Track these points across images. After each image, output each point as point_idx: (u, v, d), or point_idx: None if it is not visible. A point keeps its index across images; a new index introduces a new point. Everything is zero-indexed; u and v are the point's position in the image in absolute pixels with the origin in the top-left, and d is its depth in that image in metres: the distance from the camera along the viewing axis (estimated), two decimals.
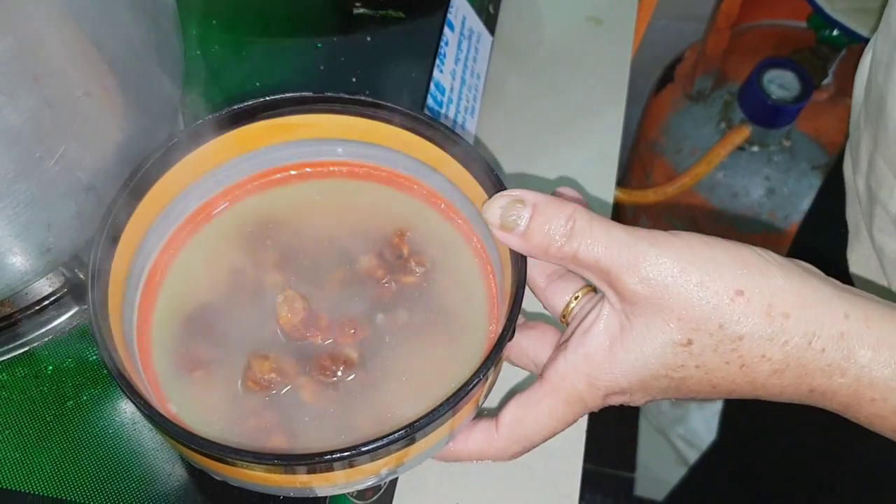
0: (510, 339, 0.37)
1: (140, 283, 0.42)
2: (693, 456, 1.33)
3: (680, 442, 1.37)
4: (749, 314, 0.33)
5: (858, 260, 0.59)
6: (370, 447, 0.33)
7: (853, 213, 0.59)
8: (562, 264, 0.36)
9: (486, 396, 0.40)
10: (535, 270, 0.41)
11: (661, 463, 1.37)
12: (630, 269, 0.34)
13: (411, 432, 0.34)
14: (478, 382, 0.35)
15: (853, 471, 0.73)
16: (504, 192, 0.36)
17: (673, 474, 1.25)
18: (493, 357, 0.36)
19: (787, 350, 0.33)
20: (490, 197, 0.38)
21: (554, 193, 0.38)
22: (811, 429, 0.79)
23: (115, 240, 0.39)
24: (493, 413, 0.39)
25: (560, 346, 0.38)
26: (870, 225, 0.54)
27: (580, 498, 0.54)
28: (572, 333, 0.37)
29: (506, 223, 0.36)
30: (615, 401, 0.37)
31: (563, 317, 0.40)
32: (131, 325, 0.41)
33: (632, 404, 0.38)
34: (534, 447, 0.39)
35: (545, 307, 0.41)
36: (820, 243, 0.73)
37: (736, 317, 0.33)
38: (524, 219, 0.35)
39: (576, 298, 0.40)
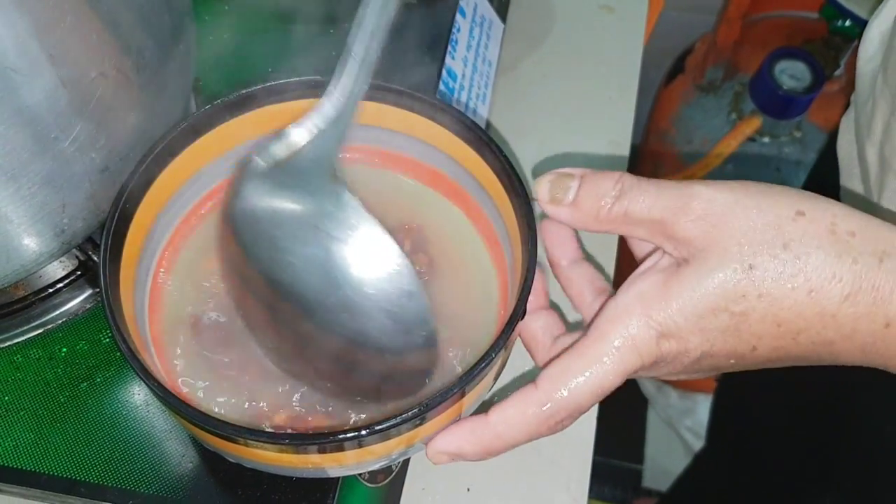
0: (521, 319, 0.37)
1: (153, 264, 0.42)
2: (697, 444, 1.33)
3: (688, 434, 1.37)
4: (813, 233, 0.31)
5: None
6: (382, 427, 0.33)
7: (849, 190, 0.59)
8: (613, 230, 0.35)
9: (496, 378, 0.40)
10: (563, 248, 0.40)
11: (669, 455, 1.37)
12: (684, 209, 0.32)
13: (423, 411, 0.34)
14: (488, 363, 0.35)
15: (855, 449, 0.73)
16: (552, 171, 0.36)
17: (681, 466, 1.25)
18: (504, 337, 0.35)
19: (856, 269, 0.31)
20: (505, 183, 0.38)
21: None
22: (807, 417, 0.79)
23: (128, 219, 0.39)
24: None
25: (609, 297, 0.36)
26: (879, 194, 0.53)
27: (588, 489, 0.54)
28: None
29: (555, 196, 0.35)
30: (668, 347, 0.33)
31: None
32: (143, 306, 0.41)
33: (683, 360, 0.34)
34: (583, 411, 0.34)
35: (567, 291, 0.41)
36: None
37: (799, 235, 0.31)
38: (573, 189, 0.35)
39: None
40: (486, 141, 0.41)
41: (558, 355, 0.35)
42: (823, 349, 0.32)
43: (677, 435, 1.38)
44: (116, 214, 0.38)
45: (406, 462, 0.51)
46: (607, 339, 0.33)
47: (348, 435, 0.33)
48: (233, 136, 0.43)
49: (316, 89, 0.43)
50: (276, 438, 0.34)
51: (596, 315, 0.35)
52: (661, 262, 0.34)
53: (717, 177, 1.12)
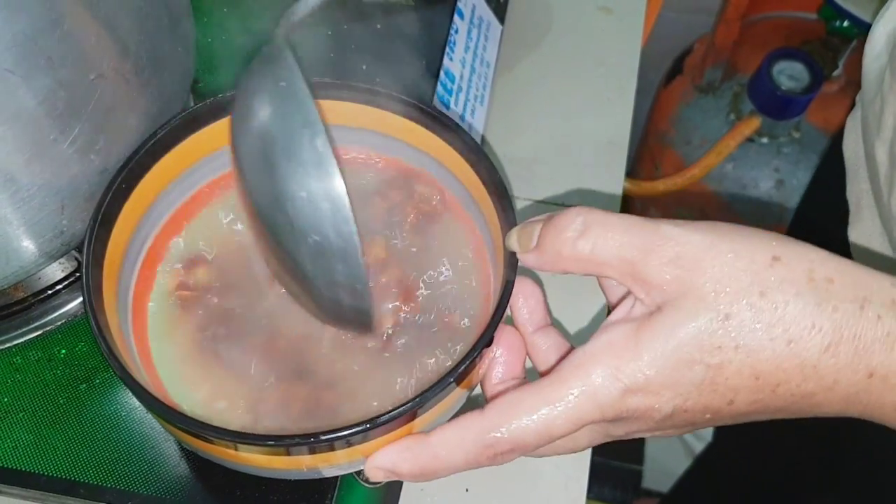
0: (488, 346, 0.36)
1: (137, 265, 0.42)
2: (701, 449, 1.33)
3: (688, 435, 1.37)
4: (791, 280, 0.30)
5: (860, 237, 0.58)
6: (362, 428, 0.34)
7: (855, 191, 0.59)
8: (580, 268, 0.33)
9: (472, 389, 0.39)
10: (529, 317, 0.38)
11: (669, 456, 1.37)
12: (656, 251, 0.31)
13: (408, 410, 0.34)
14: (465, 366, 0.35)
15: (859, 450, 0.73)
16: (521, 223, 0.36)
17: (681, 467, 1.25)
18: (482, 343, 0.35)
19: (837, 318, 0.29)
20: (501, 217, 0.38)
21: None
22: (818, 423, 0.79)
23: (111, 220, 0.39)
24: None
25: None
26: (889, 193, 0.52)
27: (588, 490, 0.54)
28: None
29: (522, 244, 0.35)
30: (635, 403, 0.31)
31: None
32: (126, 306, 0.41)
33: (657, 416, 0.32)
34: (527, 449, 0.33)
35: (532, 358, 0.39)
36: (818, 225, 0.72)
37: (777, 282, 0.30)
38: (536, 233, 0.34)
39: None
40: (481, 157, 0.41)
41: (509, 388, 0.34)
42: (804, 401, 0.31)
43: (677, 436, 1.38)
44: (99, 214, 0.38)
45: None
46: (566, 383, 0.32)
47: (333, 435, 0.33)
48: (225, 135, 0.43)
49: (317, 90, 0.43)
50: (258, 440, 0.34)
51: (561, 358, 0.34)
52: (633, 311, 0.32)
53: (717, 177, 1.12)
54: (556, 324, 0.41)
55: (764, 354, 0.30)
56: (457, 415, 0.35)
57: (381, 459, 0.35)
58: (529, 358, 0.39)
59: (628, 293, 0.33)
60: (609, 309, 0.37)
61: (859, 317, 0.29)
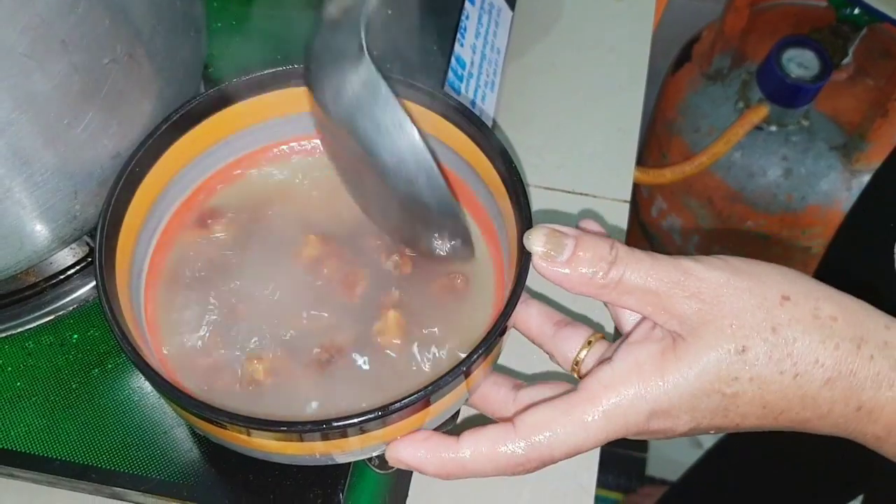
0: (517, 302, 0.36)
1: (149, 250, 0.42)
2: (706, 437, 1.33)
3: None
4: (799, 317, 0.33)
5: None
6: (375, 415, 0.33)
7: None
8: (602, 295, 0.35)
9: (476, 386, 0.39)
10: (542, 319, 0.40)
11: (673, 444, 1.37)
12: (679, 285, 0.33)
13: (421, 398, 0.34)
14: (481, 353, 0.35)
15: (875, 459, 0.73)
16: (546, 225, 0.36)
17: (685, 455, 1.25)
18: (495, 333, 0.35)
19: (837, 355, 0.32)
20: (519, 215, 0.38)
21: (577, 225, 0.37)
22: None
23: (123, 205, 0.39)
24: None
25: (603, 361, 0.36)
26: None
27: (595, 478, 0.54)
28: (616, 350, 0.36)
29: (549, 253, 0.35)
30: (657, 425, 0.34)
31: (576, 364, 0.39)
32: (139, 292, 0.41)
33: (671, 434, 0.35)
34: (552, 462, 0.35)
35: (553, 358, 0.40)
36: (863, 239, 0.72)
37: (787, 319, 0.33)
38: (568, 248, 0.34)
39: (588, 343, 0.39)
40: (496, 146, 0.40)
41: (540, 403, 0.35)
42: (798, 425, 0.35)
43: None
44: (112, 200, 0.38)
45: None
46: (598, 403, 0.34)
47: (346, 422, 0.33)
48: (232, 121, 0.43)
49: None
50: (271, 425, 0.34)
51: (589, 375, 0.35)
52: (654, 333, 0.35)
53: (725, 164, 1.12)
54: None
55: (774, 386, 0.33)
56: (488, 421, 0.36)
57: (406, 455, 0.36)
58: (553, 359, 0.40)
59: (642, 319, 0.36)
60: (616, 330, 0.39)
61: (856, 355, 0.33)
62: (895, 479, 0.70)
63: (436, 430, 0.41)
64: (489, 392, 0.39)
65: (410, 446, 0.36)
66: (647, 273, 0.34)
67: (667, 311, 0.34)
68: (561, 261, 0.34)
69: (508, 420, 0.35)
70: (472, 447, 0.35)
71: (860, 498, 0.86)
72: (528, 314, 0.41)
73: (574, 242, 0.34)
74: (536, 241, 0.35)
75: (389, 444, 0.36)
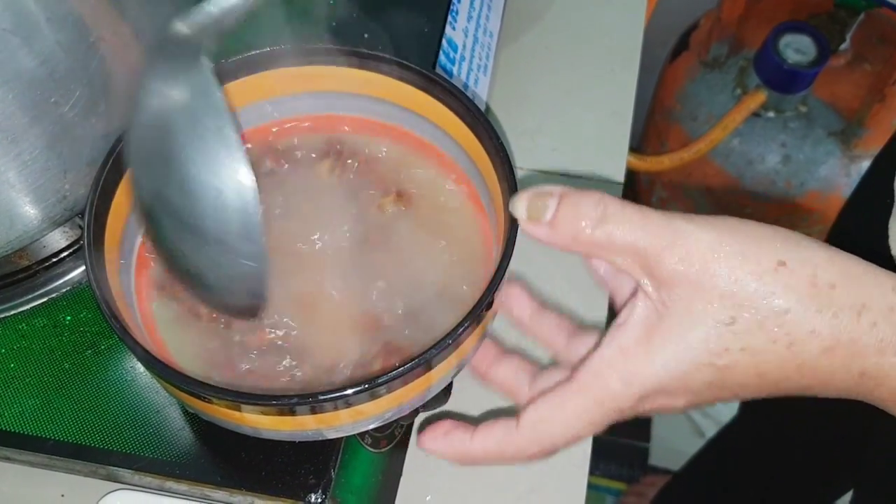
0: (499, 290, 0.37)
1: (139, 232, 0.42)
2: (708, 427, 1.33)
3: (695, 413, 1.37)
4: (794, 285, 0.31)
5: None
6: (364, 387, 0.34)
7: None
8: (592, 252, 0.34)
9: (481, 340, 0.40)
10: (520, 304, 0.41)
11: (676, 433, 1.37)
12: (669, 247, 0.32)
13: (407, 370, 0.34)
14: (462, 331, 0.35)
15: (878, 453, 0.73)
16: (530, 188, 0.35)
17: (688, 445, 1.25)
18: (480, 307, 0.36)
19: (836, 324, 0.31)
20: (504, 185, 0.38)
21: None
22: (836, 408, 0.79)
23: (113, 186, 0.39)
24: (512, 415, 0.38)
25: (594, 347, 0.36)
26: None
27: (595, 467, 0.54)
28: (603, 335, 0.35)
29: (532, 214, 0.34)
30: (651, 405, 0.34)
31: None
32: (129, 272, 0.41)
33: (673, 410, 0.35)
34: (555, 451, 0.36)
35: (539, 340, 0.41)
36: (862, 224, 0.72)
37: (780, 288, 0.31)
38: (551, 208, 0.34)
39: None
40: (480, 120, 0.41)
41: (538, 396, 0.36)
42: (802, 391, 0.34)
43: (685, 414, 1.38)
44: (102, 176, 0.38)
45: (409, 427, 0.51)
46: (589, 392, 0.34)
47: (332, 395, 0.34)
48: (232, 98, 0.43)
49: (320, 56, 0.43)
50: (259, 399, 0.34)
51: (581, 363, 0.35)
52: (638, 311, 0.34)
53: (724, 151, 1.12)
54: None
55: (767, 356, 0.32)
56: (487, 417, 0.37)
57: (430, 447, 0.38)
58: (539, 340, 0.41)
59: (634, 293, 0.35)
60: (612, 308, 0.39)
61: (857, 323, 0.31)
62: (885, 474, 0.70)
63: (426, 405, 0.42)
64: (511, 381, 0.40)
65: (434, 440, 0.37)
66: (637, 231, 0.32)
67: (656, 275, 0.33)
68: (544, 221, 0.34)
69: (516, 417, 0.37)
70: (482, 443, 0.36)
71: (849, 494, 0.86)
72: (541, 324, 0.41)
73: (557, 201, 0.34)
74: (520, 206, 0.35)
75: (419, 436, 0.38)
